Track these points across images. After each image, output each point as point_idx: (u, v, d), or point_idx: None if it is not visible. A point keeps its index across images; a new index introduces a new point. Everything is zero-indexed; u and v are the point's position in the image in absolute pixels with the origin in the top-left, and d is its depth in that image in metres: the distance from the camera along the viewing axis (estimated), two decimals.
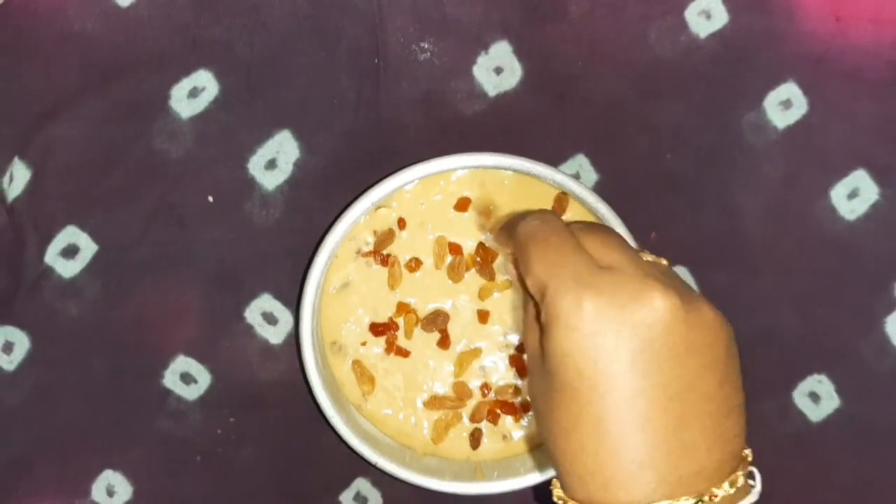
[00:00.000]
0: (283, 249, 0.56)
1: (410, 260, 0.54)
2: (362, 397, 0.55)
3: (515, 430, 0.55)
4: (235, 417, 0.57)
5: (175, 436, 0.57)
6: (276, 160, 0.56)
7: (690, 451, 0.39)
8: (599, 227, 0.43)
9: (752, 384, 0.57)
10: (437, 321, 0.54)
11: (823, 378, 0.57)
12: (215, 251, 0.56)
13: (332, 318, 0.55)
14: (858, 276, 0.57)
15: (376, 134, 0.56)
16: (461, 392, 0.55)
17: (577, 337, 0.38)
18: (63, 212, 0.56)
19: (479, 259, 0.54)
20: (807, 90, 0.56)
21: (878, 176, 0.56)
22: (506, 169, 0.53)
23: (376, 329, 0.55)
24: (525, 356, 0.55)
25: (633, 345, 0.38)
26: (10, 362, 0.56)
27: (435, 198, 0.54)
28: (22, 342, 0.56)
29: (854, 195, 0.56)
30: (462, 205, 0.54)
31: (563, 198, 0.54)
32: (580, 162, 0.56)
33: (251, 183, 0.56)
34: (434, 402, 0.55)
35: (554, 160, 0.55)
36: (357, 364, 0.55)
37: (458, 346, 0.55)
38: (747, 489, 0.40)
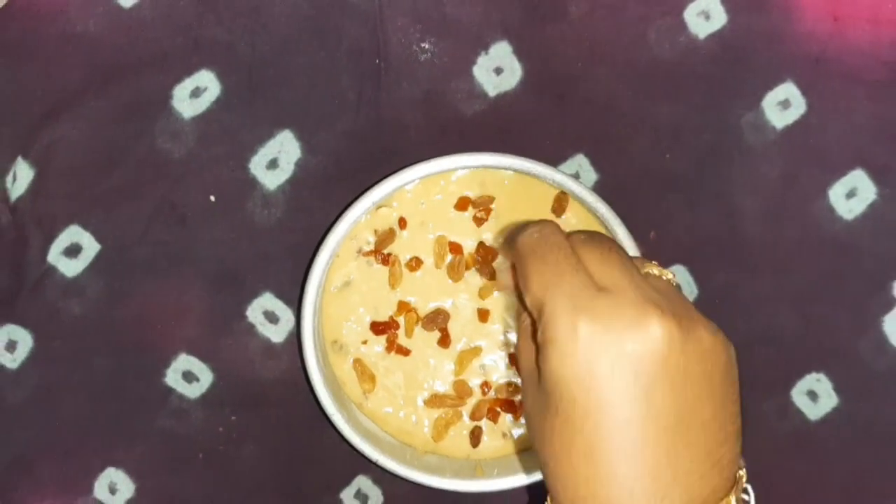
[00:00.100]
0: (285, 248, 0.57)
1: (411, 259, 0.55)
2: (363, 395, 0.56)
3: (515, 427, 0.56)
4: (237, 415, 0.58)
5: (177, 434, 0.57)
6: (277, 160, 0.56)
7: (684, 479, 0.38)
8: (600, 240, 0.42)
9: (751, 383, 0.57)
10: (438, 320, 0.55)
11: (822, 377, 0.57)
12: (217, 250, 0.56)
13: (333, 316, 0.55)
14: (856, 276, 0.57)
15: (377, 134, 0.56)
16: (461, 390, 0.55)
17: (571, 363, 0.38)
18: (66, 211, 0.56)
19: (479, 258, 0.55)
20: (805, 90, 0.56)
21: (876, 176, 0.56)
22: (506, 169, 0.53)
23: (377, 328, 0.55)
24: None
25: (628, 373, 0.37)
26: (13, 360, 0.57)
27: (435, 197, 0.54)
28: (25, 341, 0.57)
29: (852, 195, 0.56)
30: (462, 204, 0.54)
31: (562, 197, 0.54)
32: (580, 162, 0.56)
33: (253, 182, 0.56)
34: (434, 400, 0.55)
35: (554, 160, 0.56)
36: (358, 362, 0.55)
37: (458, 344, 0.55)
38: None
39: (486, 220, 0.54)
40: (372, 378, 0.55)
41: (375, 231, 0.54)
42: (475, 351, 0.55)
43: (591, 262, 0.40)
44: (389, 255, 0.54)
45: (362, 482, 0.58)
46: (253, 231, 0.56)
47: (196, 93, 0.56)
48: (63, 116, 0.55)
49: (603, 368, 0.38)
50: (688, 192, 0.57)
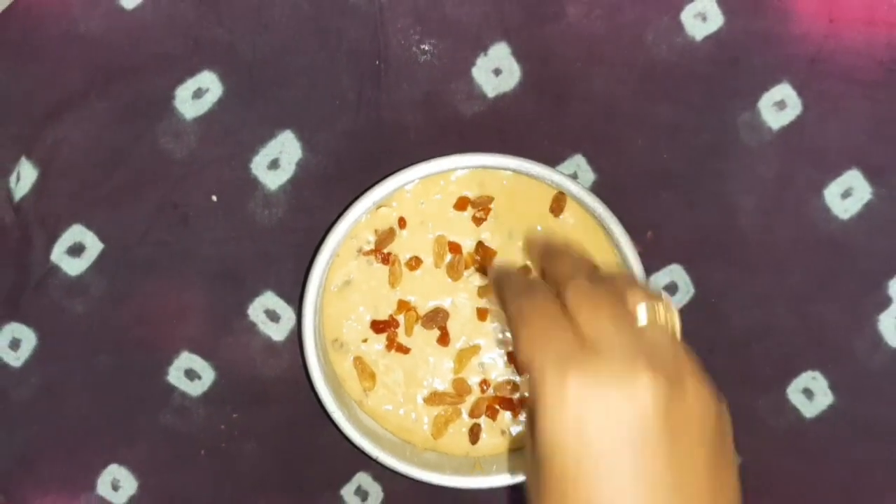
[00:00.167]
0: (286, 248, 0.57)
1: (411, 258, 0.55)
2: (363, 393, 0.56)
3: (514, 425, 0.56)
4: (239, 413, 0.58)
5: (179, 431, 0.58)
6: (278, 160, 0.56)
7: None
8: (591, 286, 0.41)
9: (747, 381, 0.58)
10: (437, 318, 0.55)
11: (817, 374, 0.58)
12: (219, 250, 0.57)
13: (333, 315, 0.55)
14: (852, 275, 0.57)
15: (377, 134, 0.56)
16: (460, 388, 0.56)
17: (560, 421, 0.37)
18: (69, 211, 0.56)
19: (478, 257, 0.55)
20: (801, 91, 0.56)
21: (871, 176, 0.57)
22: (504, 169, 0.53)
23: (377, 326, 0.55)
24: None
25: (618, 431, 0.37)
26: (17, 359, 0.57)
27: (435, 197, 0.55)
28: (29, 339, 0.57)
29: (847, 194, 0.57)
30: (461, 204, 0.55)
31: (560, 197, 0.54)
32: (578, 162, 0.57)
33: (254, 182, 0.57)
34: (434, 398, 0.56)
35: (552, 160, 0.56)
36: (358, 361, 0.56)
37: (457, 343, 0.55)
38: None
39: (485, 219, 0.55)
40: (372, 376, 0.56)
41: (375, 231, 0.55)
42: (474, 349, 0.56)
43: (580, 310, 0.40)
44: (389, 254, 0.55)
45: (362, 479, 0.59)
46: (254, 230, 0.57)
47: (198, 93, 0.56)
48: (66, 117, 0.55)
49: (592, 427, 0.37)
50: (685, 191, 0.57)
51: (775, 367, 0.58)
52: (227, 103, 0.56)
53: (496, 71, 0.56)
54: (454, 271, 0.55)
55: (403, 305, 0.55)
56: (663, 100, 0.56)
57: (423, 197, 0.55)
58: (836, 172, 0.57)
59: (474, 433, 0.56)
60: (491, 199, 0.54)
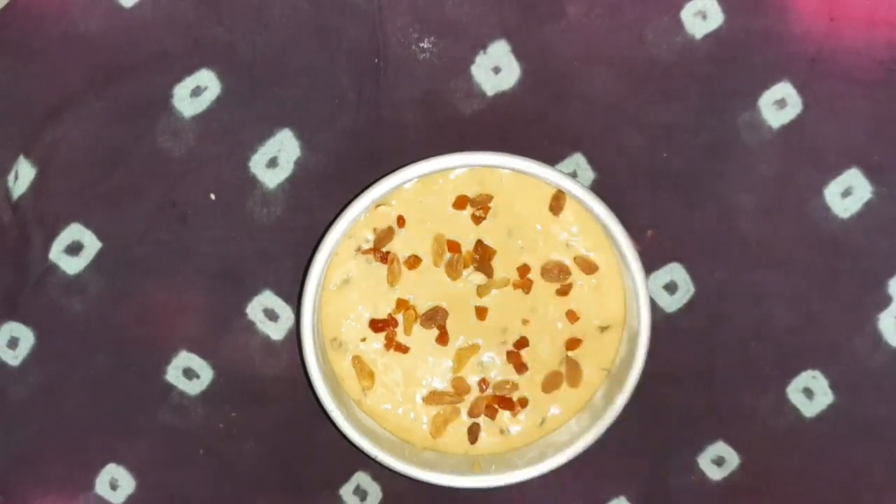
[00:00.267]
0: (285, 247, 0.57)
1: (409, 257, 0.55)
2: (362, 392, 0.56)
3: (513, 424, 0.56)
4: (237, 412, 0.58)
5: (178, 430, 0.58)
6: (277, 158, 0.56)
7: None
8: None
9: (747, 380, 0.58)
10: (436, 317, 0.55)
11: (817, 374, 0.58)
12: (217, 248, 0.57)
13: (332, 314, 0.55)
14: (852, 274, 0.57)
15: (376, 133, 0.56)
16: (459, 387, 0.56)
17: None
18: (67, 209, 0.56)
19: (477, 256, 0.55)
20: (801, 90, 0.56)
21: (872, 175, 0.56)
22: (504, 168, 0.53)
23: (376, 325, 0.55)
24: (523, 352, 0.55)
25: None
26: (15, 358, 0.57)
27: (434, 196, 0.55)
28: (27, 338, 0.57)
29: (848, 193, 0.57)
30: (460, 203, 0.54)
31: (560, 196, 0.54)
32: (577, 161, 0.57)
33: (253, 181, 0.57)
34: (433, 397, 0.56)
35: (551, 159, 0.56)
36: (357, 360, 0.56)
37: (456, 342, 0.55)
38: None
39: (485, 218, 0.55)
40: (371, 375, 0.56)
41: (374, 229, 0.55)
42: (473, 348, 0.55)
43: None
44: (388, 253, 0.55)
45: (361, 478, 0.59)
46: (253, 229, 0.57)
47: (196, 92, 0.56)
48: (65, 116, 0.56)
49: None
50: (685, 190, 0.57)
51: (775, 367, 0.58)
52: (225, 102, 0.56)
53: (496, 69, 0.56)
54: (453, 270, 0.55)
55: (402, 304, 0.55)
56: (663, 98, 0.56)
57: (423, 195, 0.55)
58: (836, 171, 0.57)
59: (473, 432, 0.56)
60: (490, 198, 0.54)
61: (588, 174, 0.57)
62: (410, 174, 0.53)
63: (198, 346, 0.57)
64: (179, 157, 0.56)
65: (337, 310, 0.55)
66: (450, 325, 0.55)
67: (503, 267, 0.55)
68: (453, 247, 0.55)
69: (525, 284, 0.55)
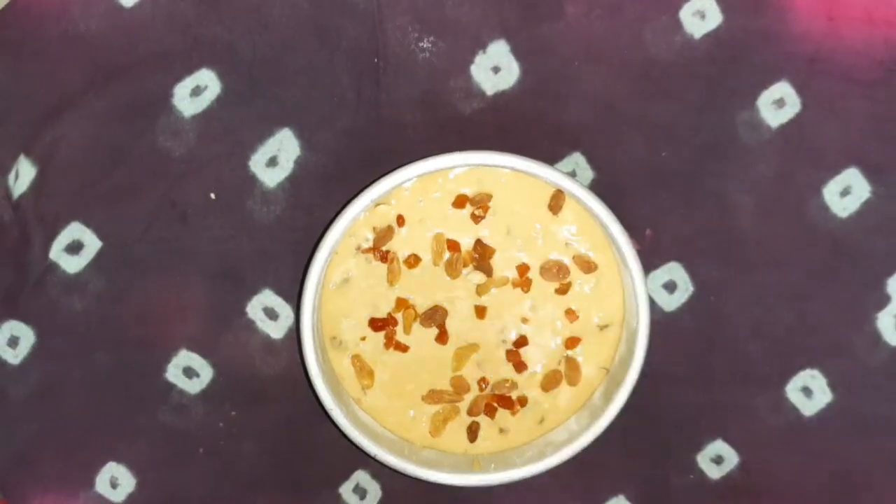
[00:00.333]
0: (284, 246, 0.57)
1: (409, 256, 0.55)
2: (362, 391, 0.56)
3: (512, 423, 0.56)
4: (237, 411, 0.58)
5: (178, 429, 0.58)
6: (277, 158, 0.57)
7: None
8: None
9: (746, 379, 0.58)
10: (436, 317, 0.55)
11: (816, 373, 0.58)
12: (217, 247, 0.57)
13: (332, 313, 0.55)
14: (851, 273, 0.57)
15: (376, 132, 0.56)
16: (459, 386, 0.56)
17: None
18: (68, 209, 0.56)
19: (476, 255, 0.55)
20: (800, 89, 0.56)
21: (870, 174, 0.57)
22: (503, 167, 0.53)
23: (375, 324, 0.55)
24: (522, 351, 0.55)
25: None
26: (15, 356, 0.57)
27: (433, 195, 0.55)
28: (27, 336, 0.57)
29: (846, 193, 0.57)
30: (460, 202, 0.55)
31: (559, 195, 0.54)
32: (576, 160, 0.57)
33: (252, 180, 0.57)
34: (432, 396, 0.56)
35: (550, 158, 0.56)
36: (356, 359, 0.56)
37: (455, 341, 0.56)
38: None
39: (484, 217, 0.55)
40: (370, 374, 0.56)
41: (374, 228, 0.55)
42: (473, 347, 0.56)
43: None
44: (388, 252, 0.55)
45: (361, 477, 0.59)
46: (253, 228, 0.57)
47: (196, 91, 0.56)
48: (65, 115, 0.56)
49: None
50: (684, 190, 0.57)
51: (774, 365, 0.58)
52: (225, 101, 0.56)
53: (495, 69, 0.56)
54: (453, 269, 0.55)
55: (402, 303, 0.55)
56: (662, 98, 0.56)
57: (422, 195, 0.55)
58: (835, 171, 0.57)
59: (473, 431, 0.56)
60: (489, 197, 0.54)
61: (587, 173, 0.57)
62: (410, 173, 0.53)
63: (198, 345, 0.57)
64: (179, 156, 0.56)
65: (337, 309, 0.55)
66: (449, 323, 0.55)
67: (502, 266, 0.55)
68: (453, 246, 0.55)
69: (524, 283, 0.55)
